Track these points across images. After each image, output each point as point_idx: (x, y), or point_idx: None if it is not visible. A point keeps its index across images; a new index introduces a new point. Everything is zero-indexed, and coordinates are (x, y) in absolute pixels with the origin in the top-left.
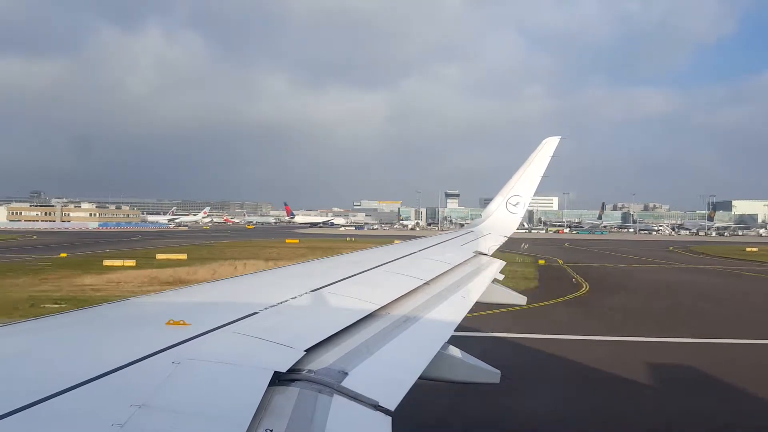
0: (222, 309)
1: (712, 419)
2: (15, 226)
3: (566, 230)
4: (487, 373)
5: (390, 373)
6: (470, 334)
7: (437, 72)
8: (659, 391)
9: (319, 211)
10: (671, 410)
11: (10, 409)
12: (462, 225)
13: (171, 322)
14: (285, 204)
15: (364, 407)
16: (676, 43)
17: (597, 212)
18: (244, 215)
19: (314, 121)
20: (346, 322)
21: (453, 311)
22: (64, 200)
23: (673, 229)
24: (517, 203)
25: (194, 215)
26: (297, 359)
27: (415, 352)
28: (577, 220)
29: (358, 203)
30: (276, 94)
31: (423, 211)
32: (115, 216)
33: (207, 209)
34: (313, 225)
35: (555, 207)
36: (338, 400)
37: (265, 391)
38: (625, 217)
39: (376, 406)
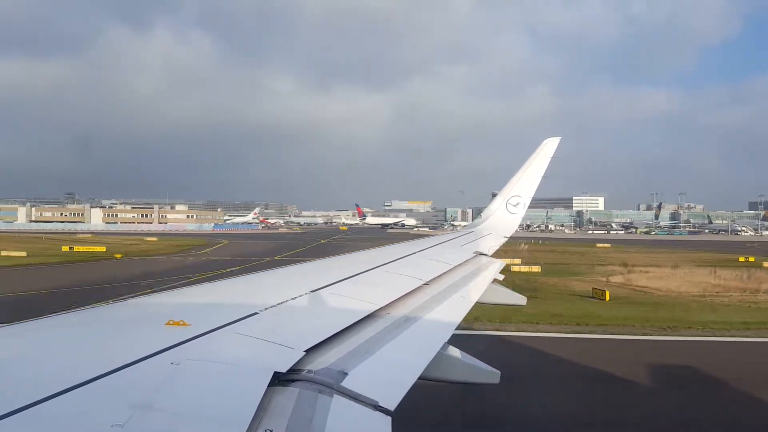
0: (222, 309)
1: None
2: (113, 228)
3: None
4: (487, 374)
5: (390, 373)
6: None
7: (446, 72)
8: None
9: (352, 213)
10: None
11: (9, 410)
12: None
13: (171, 322)
14: (356, 205)
15: (364, 407)
16: (687, 44)
17: (635, 212)
18: (290, 216)
19: (331, 123)
20: (346, 323)
21: (453, 311)
22: (161, 201)
23: (755, 230)
24: (518, 203)
25: (243, 216)
26: (297, 359)
27: (415, 352)
28: (629, 220)
29: (389, 204)
30: (287, 95)
31: (469, 211)
32: (205, 218)
33: (257, 210)
34: (384, 226)
35: (601, 207)
36: (338, 400)
37: (265, 392)
38: (674, 216)
39: (376, 406)
